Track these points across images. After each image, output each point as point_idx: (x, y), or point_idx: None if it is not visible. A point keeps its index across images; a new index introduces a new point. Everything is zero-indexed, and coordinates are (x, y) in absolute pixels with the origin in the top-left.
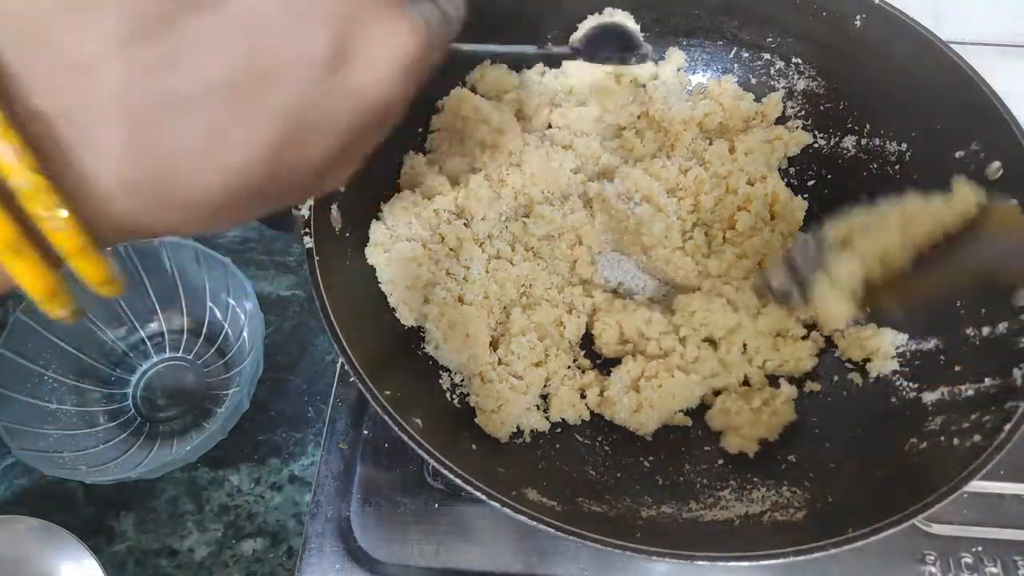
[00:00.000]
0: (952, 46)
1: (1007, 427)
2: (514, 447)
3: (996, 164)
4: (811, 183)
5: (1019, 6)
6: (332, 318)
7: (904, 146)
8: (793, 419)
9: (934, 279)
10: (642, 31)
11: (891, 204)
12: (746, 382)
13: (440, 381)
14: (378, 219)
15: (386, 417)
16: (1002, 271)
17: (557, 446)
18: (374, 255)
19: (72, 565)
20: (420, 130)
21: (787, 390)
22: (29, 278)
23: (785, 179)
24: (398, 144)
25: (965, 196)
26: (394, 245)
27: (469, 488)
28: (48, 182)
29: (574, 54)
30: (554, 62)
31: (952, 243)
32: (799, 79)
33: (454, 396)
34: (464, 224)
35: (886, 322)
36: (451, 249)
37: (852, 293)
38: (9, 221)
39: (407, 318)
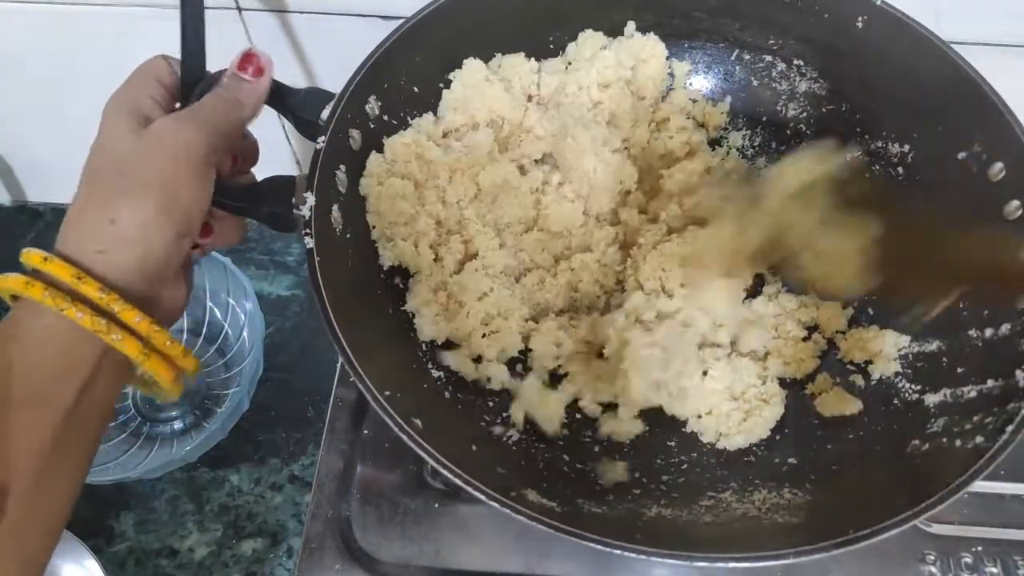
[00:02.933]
0: (953, 46)
1: (1009, 428)
2: (516, 448)
3: (999, 165)
4: None
5: (1020, 5)
6: (332, 319)
7: (907, 147)
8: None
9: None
10: (643, 33)
11: None
12: None
13: (441, 384)
14: (379, 152)
15: (386, 418)
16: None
17: (559, 444)
18: (367, 186)
19: (72, 565)
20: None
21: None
22: (160, 371)
23: None
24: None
25: None
26: (387, 179)
27: (470, 489)
28: (131, 308)
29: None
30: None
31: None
32: (801, 81)
33: (457, 399)
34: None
35: (889, 323)
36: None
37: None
38: (135, 340)
39: (385, 257)
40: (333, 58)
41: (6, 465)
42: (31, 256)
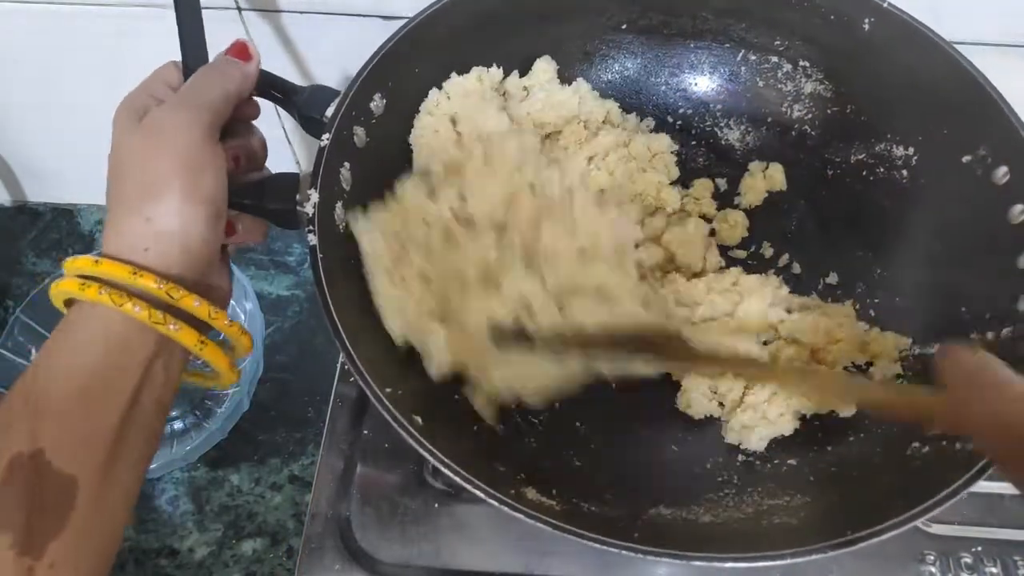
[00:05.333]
0: (955, 46)
1: None
2: (517, 446)
3: (1003, 169)
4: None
5: (1019, 5)
6: (335, 315)
7: (911, 150)
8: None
9: None
10: (649, 33)
11: None
12: None
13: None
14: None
15: (386, 415)
16: None
17: (558, 441)
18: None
19: None
20: None
21: None
22: (217, 359)
23: (789, 182)
24: (398, 145)
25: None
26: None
27: (469, 487)
28: (189, 293)
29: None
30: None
31: None
32: (806, 82)
33: (458, 397)
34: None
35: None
36: None
37: None
38: (191, 330)
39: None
40: (333, 58)
41: (75, 459)
42: (80, 262)
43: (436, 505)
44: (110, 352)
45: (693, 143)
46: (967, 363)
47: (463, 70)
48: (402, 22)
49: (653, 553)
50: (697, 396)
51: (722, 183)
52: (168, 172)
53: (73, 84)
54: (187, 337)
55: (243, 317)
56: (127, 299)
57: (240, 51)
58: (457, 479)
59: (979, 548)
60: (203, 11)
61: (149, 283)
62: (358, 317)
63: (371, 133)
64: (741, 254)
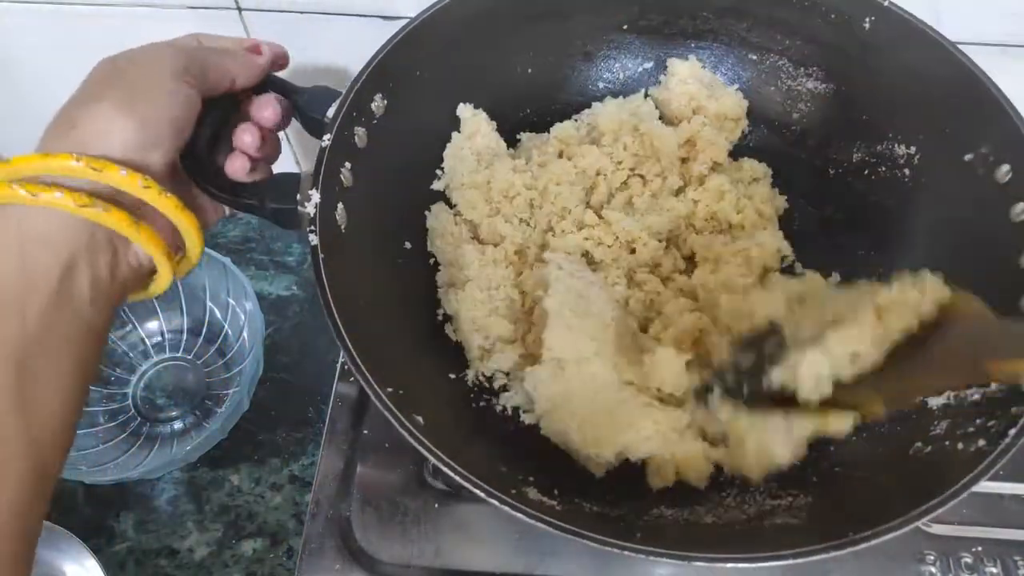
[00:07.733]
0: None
1: (1012, 432)
2: (518, 446)
3: (1006, 167)
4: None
5: (1020, 5)
6: (336, 315)
7: (913, 149)
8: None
9: (906, 380)
10: (650, 34)
11: (859, 292)
12: None
13: (444, 380)
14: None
15: (388, 415)
16: (971, 364)
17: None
18: None
19: (73, 565)
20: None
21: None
22: (161, 256)
23: (789, 183)
24: (399, 146)
25: (935, 286)
26: None
27: (470, 486)
28: (112, 163)
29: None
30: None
31: (916, 342)
32: (807, 81)
33: (459, 395)
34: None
35: None
36: None
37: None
38: (121, 211)
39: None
40: (333, 58)
41: None
42: None
43: (436, 505)
44: (24, 253)
45: None
46: None
47: (464, 69)
48: (403, 22)
49: (654, 553)
50: None
51: None
52: (108, 85)
53: (74, 84)
54: (117, 219)
55: (243, 317)
56: (44, 188)
57: (253, 47)
58: (458, 479)
59: (979, 548)
60: (203, 11)
61: (66, 161)
62: (359, 317)
63: (372, 133)
64: None
